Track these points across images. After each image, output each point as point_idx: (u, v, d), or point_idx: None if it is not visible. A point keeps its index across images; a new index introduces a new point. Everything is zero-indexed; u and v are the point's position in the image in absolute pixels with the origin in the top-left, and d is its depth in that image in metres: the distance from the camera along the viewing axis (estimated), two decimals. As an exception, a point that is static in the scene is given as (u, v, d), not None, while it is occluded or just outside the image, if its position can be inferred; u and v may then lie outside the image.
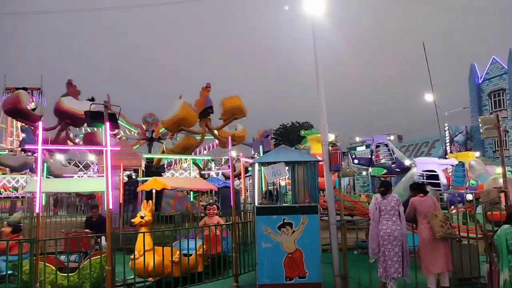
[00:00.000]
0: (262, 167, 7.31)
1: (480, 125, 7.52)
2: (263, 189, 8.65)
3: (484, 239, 6.82)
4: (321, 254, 6.70)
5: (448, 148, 28.55)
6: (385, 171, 13.51)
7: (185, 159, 17.47)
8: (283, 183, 15.13)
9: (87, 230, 9.68)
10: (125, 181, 14.78)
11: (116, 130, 13.69)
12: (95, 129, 15.91)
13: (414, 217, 7.00)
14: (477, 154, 13.71)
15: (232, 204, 7.62)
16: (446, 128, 29.05)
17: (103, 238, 8.37)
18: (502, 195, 7.20)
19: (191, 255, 7.35)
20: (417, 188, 6.97)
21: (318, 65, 7.33)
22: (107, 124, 6.43)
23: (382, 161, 13.56)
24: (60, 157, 24.85)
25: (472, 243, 7.28)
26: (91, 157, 28.30)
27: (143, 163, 15.95)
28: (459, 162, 11.52)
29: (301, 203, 7.08)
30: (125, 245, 9.06)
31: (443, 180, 10.21)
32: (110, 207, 6.33)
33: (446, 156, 25.77)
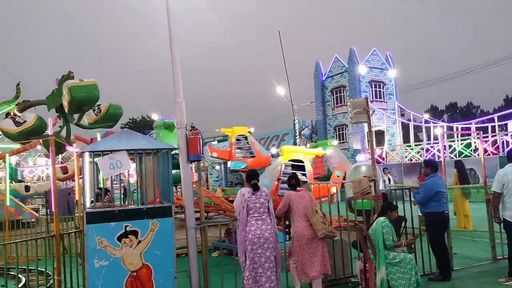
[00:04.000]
0: (95, 157, 5.47)
1: (350, 108, 6.91)
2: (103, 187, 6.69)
3: (358, 233, 6.16)
4: (176, 268, 5.19)
5: (297, 141, 29.64)
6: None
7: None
8: (132, 180, 13.16)
9: None
10: None
11: None
12: None
13: (285, 214, 6.01)
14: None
15: (53, 208, 5.56)
16: (296, 121, 30.10)
17: None
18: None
19: None
20: (289, 183, 5.97)
21: (172, 33, 5.76)
22: None
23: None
24: None
25: (343, 238, 6.62)
26: None
27: None
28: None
29: (150, 203, 5.44)
30: None
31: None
32: None
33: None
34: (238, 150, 13.28)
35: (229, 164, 14.24)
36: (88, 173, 5.54)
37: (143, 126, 48.63)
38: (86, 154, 5.46)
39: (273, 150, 12.12)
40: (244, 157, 13.07)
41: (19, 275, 6.86)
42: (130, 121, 55.52)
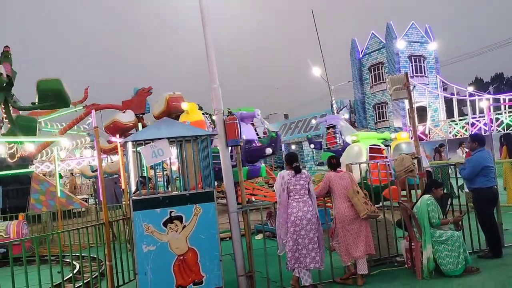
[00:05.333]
0: (138, 147, 5.63)
1: (389, 85, 6.71)
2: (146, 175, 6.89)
3: (403, 212, 6.05)
4: (220, 251, 5.30)
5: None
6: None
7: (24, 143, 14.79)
8: (174, 167, 13.45)
9: None
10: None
11: None
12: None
13: (325, 195, 5.98)
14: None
15: (101, 198, 5.80)
16: (333, 102, 29.66)
17: None
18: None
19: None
20: (330, 163, 5.91)
21: (204, 16, 5.77)
22: None
23: (334, 145, 12.06)
24: None
25: (387, 217, 6.51)
26: None
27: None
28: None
29: (192, 189, 5.54)
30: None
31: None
32: None
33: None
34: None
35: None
36: (132, 161, 5.71)
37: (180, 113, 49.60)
38: (129, 144, 5.61)
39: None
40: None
41: (73, 262, 7.27)
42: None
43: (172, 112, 12.96)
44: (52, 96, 11.19)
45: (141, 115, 15.34)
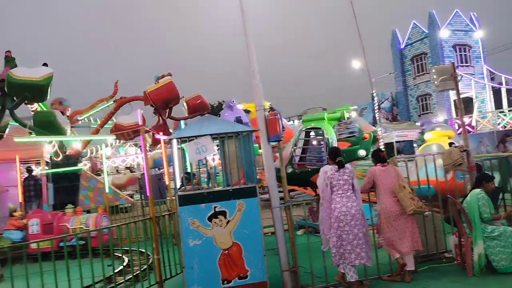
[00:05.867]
0: (182, 143, 5.75)
1: (435, 76, 6.49)
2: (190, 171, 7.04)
3: (452, 206, 5.86)
4: (264, 246, 5.33)
5: (376, 115, 28.53)
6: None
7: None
8: (214, 162, 13.61)
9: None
10: (25, 176, 12.48)
11: None
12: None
13: (369, 190, 5.89)
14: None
15: (148, 193, 5.98)
16: (374, 94, 28.99)
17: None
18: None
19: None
20: (377, 156, 5.81)
21: (244, 10, 5.80)
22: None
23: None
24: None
25: (435, 213, 6.33)
26: None
27: (47, 153, 13.60)
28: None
29: (234, 184, 5.61)
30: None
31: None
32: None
33: (376, 124, 25.75)
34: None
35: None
36: (177, 158, 5.84)
37: (219, 111, 49.57)
38: (174, 141, 5.75)
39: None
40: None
41: (123, 256, 7.54)
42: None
43: (196, 111, 13.19)
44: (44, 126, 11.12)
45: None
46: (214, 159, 13.40)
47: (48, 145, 12.15)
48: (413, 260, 5.46)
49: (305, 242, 5.82)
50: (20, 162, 11.24)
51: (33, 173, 12.78)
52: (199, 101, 12.66)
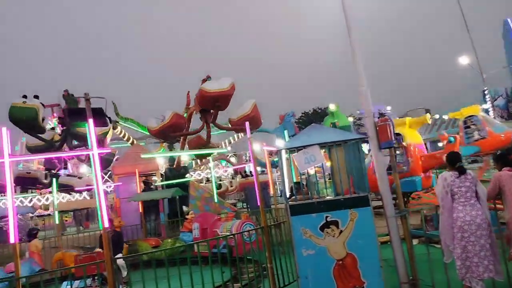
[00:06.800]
0: (291, 153, 5.82)
1: None
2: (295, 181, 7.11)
3: None
4: (380, 257, 5.15)
5: (491, 114, 26.09)
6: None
7: (205, 156, 16.26)
8: (311, 171, 13.55)
9: (99, 250, 8.44)
10: (143, 188, 13.63)
11: (109, 126, 12.52)
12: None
13: (495, 197, 5.38)
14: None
15: (258, 202, 6.16)
16: (486, 91, 26.59)
17: (120, 258, 7.16)
18: None
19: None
20: (504, 159, 5.31)
21: (347, 14, 5.73)
22: (91, 121, 5.05)
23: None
24: (84, 168, 23.86)
25: None
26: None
27: (163, 167, 14.74)
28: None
29: (345, 193, 5.52)
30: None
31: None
32: (106, 225, 4.99)
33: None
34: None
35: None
36: (286, 168, 5.92)
37: (315, 118, 48.78)
38: (283, 151, 5.84)
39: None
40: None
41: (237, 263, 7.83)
42: (303, 114, 56.57)
43: (250, 120, 13.38)
44: (24, 123, 11.36)
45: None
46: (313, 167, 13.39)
47: (162, 159, 13.26)
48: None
49: (422, 253, 5.50)
50: (139, 175, 12.34)
51: (151, 186, 13.86)
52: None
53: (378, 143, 5.51)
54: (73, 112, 5.24)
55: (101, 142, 11.64)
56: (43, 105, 11.42)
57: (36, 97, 11.50)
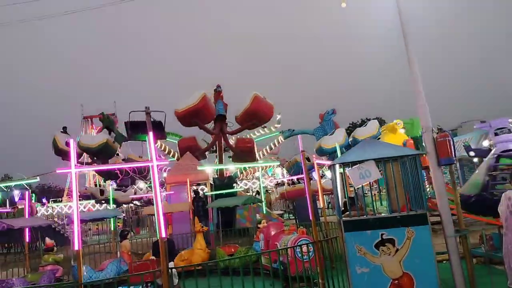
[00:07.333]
0: (344, 168, 5.75)
1: None
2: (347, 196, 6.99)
3: None
4: (439, 278, 4.96)
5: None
6: None
7: (253, 167, 16.37)
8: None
9: (152, 257, 8.70)
10: (192, 197, 13.89)
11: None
12: None
13: None
14: None
15: (311, 216, 6.12)
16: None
17: (172, 265, 7.35)
18: None
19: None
20: None
21: (404, 24, 5.64)
22: (151, 134, 5.26)
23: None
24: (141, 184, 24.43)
25: None
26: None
27: (211, 177, 14.99)
28: None
29: (401, 210, 5.37)
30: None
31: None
32: (163, 234, 5.14)
33: None
34: None
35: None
36: (339, 183, 5.86)
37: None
38: (336, 166, 5.79)
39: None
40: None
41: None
42: (350, 125, 55.68)
43: (252, 113, 13.21)
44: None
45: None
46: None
47: (211, 169, 13.51)
48: None
49: (482, 274, 5.25)
50: (190, 184, 12.61)
51: (200, 195, 14.12)
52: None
53: (437, 159, 5.33)
54: (135, 126, 5.50)
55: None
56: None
57: (64, 128, 13.26)
